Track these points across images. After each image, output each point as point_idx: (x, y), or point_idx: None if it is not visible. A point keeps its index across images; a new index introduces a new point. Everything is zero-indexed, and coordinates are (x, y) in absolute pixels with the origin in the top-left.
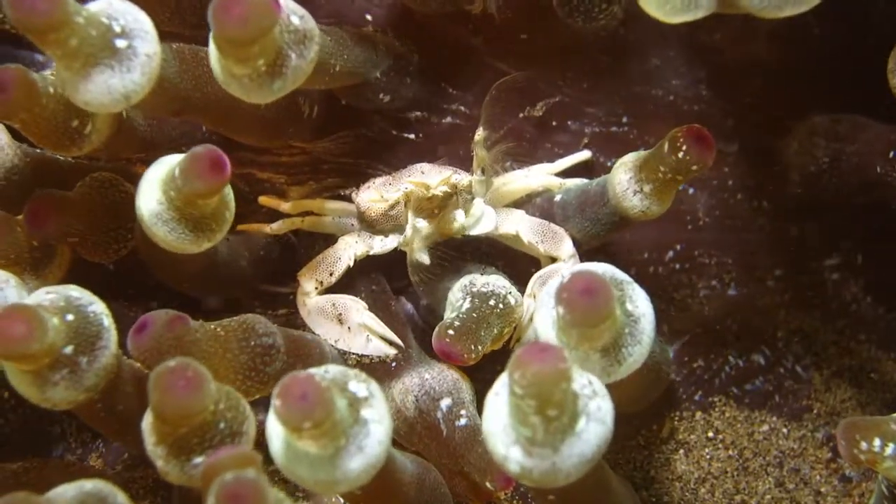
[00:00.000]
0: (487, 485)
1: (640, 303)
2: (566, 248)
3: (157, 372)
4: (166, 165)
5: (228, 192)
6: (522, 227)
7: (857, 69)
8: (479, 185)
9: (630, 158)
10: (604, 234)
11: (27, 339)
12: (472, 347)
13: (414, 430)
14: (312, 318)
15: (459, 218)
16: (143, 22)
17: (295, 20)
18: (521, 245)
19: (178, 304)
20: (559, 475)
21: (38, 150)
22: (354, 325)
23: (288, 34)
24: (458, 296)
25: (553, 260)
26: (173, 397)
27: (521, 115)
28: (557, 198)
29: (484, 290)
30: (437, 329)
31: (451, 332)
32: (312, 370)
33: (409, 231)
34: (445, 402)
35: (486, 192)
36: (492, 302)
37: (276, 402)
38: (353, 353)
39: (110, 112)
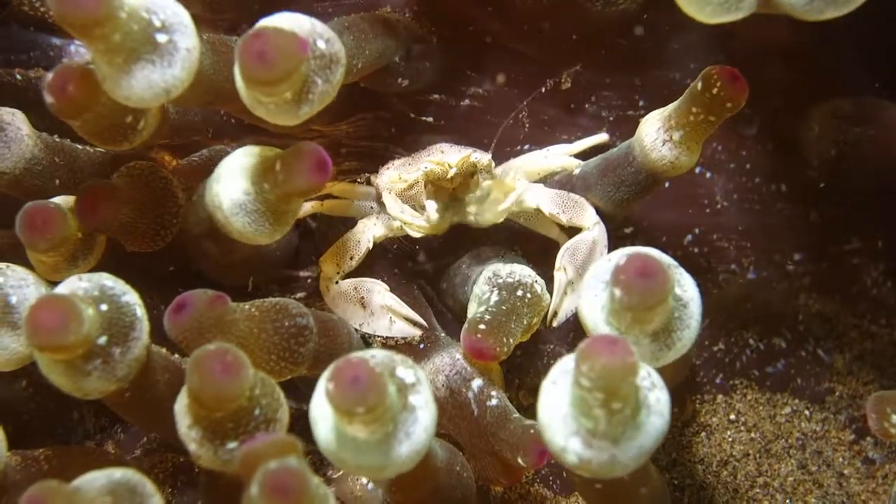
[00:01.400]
0: (519, 461)
1: (688, 287)
2: (589, 215)
3: (196, 355)
4: (253, 156)
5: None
6: (542, 199)
7: (879, 51)
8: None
9: (656, 113)
10: (628, 199)
11: (64, 330)
12: (504, 341)
13: (444, 411)
14: (336, 302)
15: (475, 203)
16: (182, 16)
17: (321, 45)
18: (541, 225)
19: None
20: (617, 467)
21: (57, 140)
22: (377, 308)
23: (314, 61)
24: (483, 289)
25: (571, 234)
26: (212, 381)
27: (545, 88)
28: (577, 171)
29: (510, 280)
30: (466, 325)
31: (482, 326)
32: (359, 354)
33: (430, 211)
34: (477, 383)
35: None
36: (519, 293)
37: (328, 385)
38: (378, 336)
39: (151, 106)
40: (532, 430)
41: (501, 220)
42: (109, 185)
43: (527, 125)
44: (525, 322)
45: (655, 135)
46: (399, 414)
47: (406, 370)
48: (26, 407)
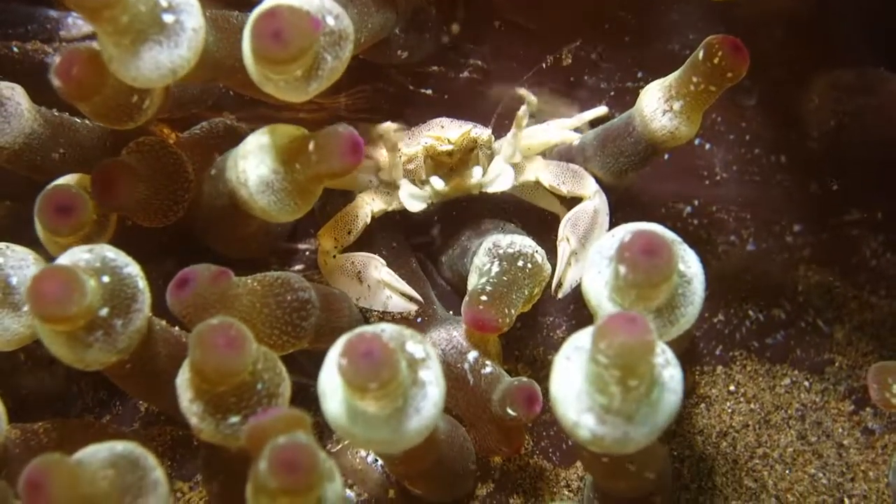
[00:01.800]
0: (509, 411)
1: (692, 263)
2: (589, 185)
3: (199, 329)
4: (281, 135)
5: None
6: (541, 171)
7: (880, 21)
8: (509, 146)
9: (656, 83)
10: (627, 170)
11: (66, 301)
12: (506, 312)
13: None
14: (333, 276)
15: (477, 174)
16: None
17: (330, 21)
18: (541, 198)
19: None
20: (630, 444)
21: (57, 113)
22: (374, 283)
23: (324, 37)
24: (484, 260)
25: (571, 207)
26: (215, 355)
27: (544, 64)
28: (576, 142)
29: (511, 250)
30: (467, 297)
31: (483, 298)
32: (369, 328)
33: (436, 183)
34: (472, 355)
35: (515, 152)
36: (520, 263)
37: (341, 360)
38: (375, 311)
39: (157, 87)
40: (517, 382)
41: (500, 190)
42: (125, 163)
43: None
44: (526, 293)
45: (656, 105)
46: (409, 389)
47: (416, 345)
48: (24, 381)
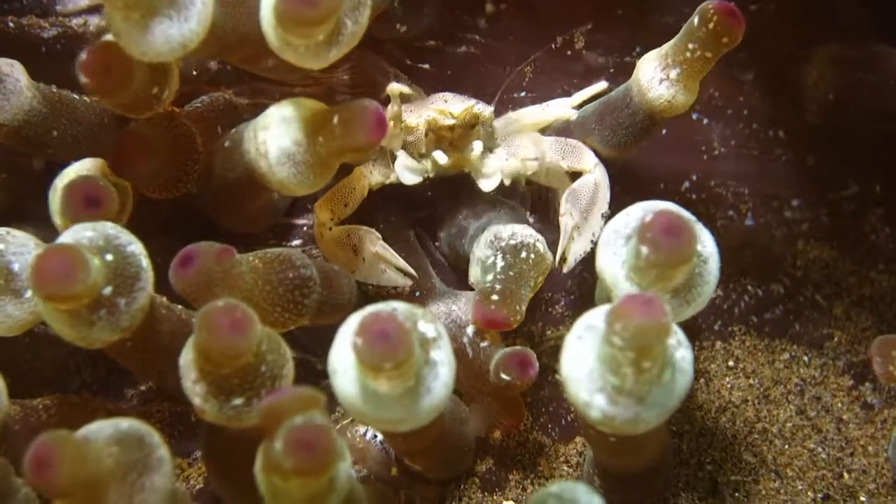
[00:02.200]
0: (503, 376)
1: (707, 243)
2: (588, 158)
3: (205, 311)
4: (304, 108)
5: None
6: (540, 147)
7: None
8: (507, 155)
9: (652, 52)
10: (625, 143)
11: (70, 279)
12: (517, 309)
13: None
14: (329, 248)
15: (477, 148)
16: None
17: None
18: (539, 177)
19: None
20: (640, 424)
21: (55, 90)
22: (369, 256)
23: (346, 1)
24: (486, 253)
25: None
26: (220, 337)
27: (553, 45)
28: (574, 117)
29: (513, 242)
30: (477, 296)
31: (494, 297)
32: (382, 306)
33: (439, 157)
34: (471, 329)
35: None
36: (523, 254)
37: (357, 339)
38: (370, 284)
39: (166, 60)
40: (511, 349)
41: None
42: (141, 132)
43: (528, 75)
44: (532, 284)
45: (652, 73)
46: (421, 369)
47: (427, 324)
48: (22, 356)
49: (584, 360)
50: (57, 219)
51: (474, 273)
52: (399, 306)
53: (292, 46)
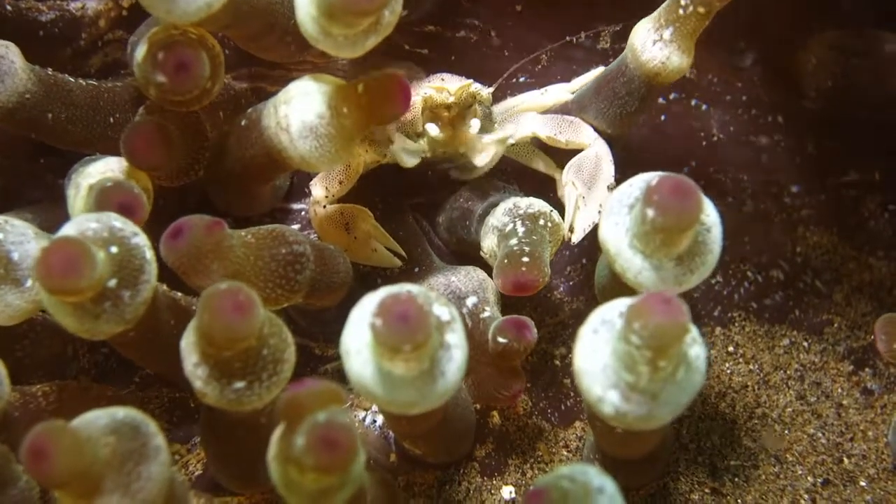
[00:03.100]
0: (500, 339)
1: (710, 212)
2: (587, 132)
3: (207, 293)
4: (327, 82)
5: None
6: (537, 124)
7: None
8: (507, 129)
9: (645, 18)
10: (622, 115)
11: (76, 274)
12: (546, 271)
13: None
14: (322, 226)
15: (475, 125)
16: None
17: None
18: (537, 159)
19: None
20: (652, 421)
21: (51, 73)
22: (361, 234)
23: None
24: (504, 220)
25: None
26: (223, 320)
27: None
28: (570, 96)
29: (531, 211)
30: (505, 260)
31: (525, 259)
32: (396, 288)
33: (432, 130)
34: (471, 300)
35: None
36: (542, 222)
37: (375, 321)
38: (361, 263)
39: (190, 21)
40: (507, 316)
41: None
42: (159, 122)
43: (522, 58)
44: (548, 252)
45: (646, 36)
46: (437, 351)
47: (441, 307)
48: (20, 343)
49: (599, 355)
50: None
51: (488, 243)
52: (413, 288)
53: (332, 36)
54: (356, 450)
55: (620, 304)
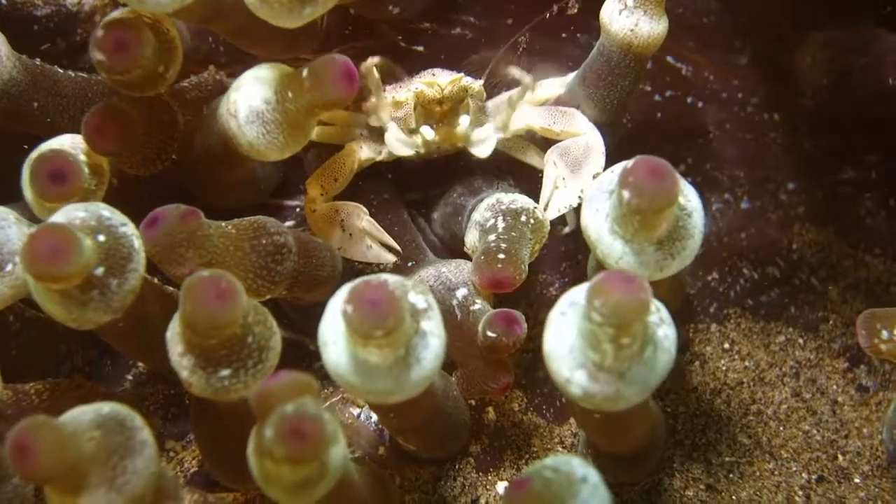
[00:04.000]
0: (489, 333)
1: (691, 197)
2: (581, 121)
3: (190, 281)
4: (278, 69)
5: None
6: (531, 116)
7: None
8: (503, 114)
9: None
10: (610, 98)
11: (62, 260)
12: (522, 269)
13: None
14: (317, 224)
15: (464, 123)
16: None
17: None
18: (531, 154)
19: None
20: (621, 401)
21: (38, 63)
22: (356, 231)
23: None
24: (486, 215)
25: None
26: (205, 308)
27: (551, 11)
28: (562, 90)
29: (514, 206)
30: (482, 257)
31: (501, 255)
32: (374, 277)
33: (426, 133)
34: (461, 292)
35: (507, 123)
36: (523, 218)
37: (346, 307)
38: (356, 261)
39: (165, 12)
40: (497, 309)
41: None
42: (120, 107)
43: (520, 56)
44: (529, 249)
45: (612, 7)
46: (411, 339)
47: (418, 295)
48: (14, 342)
49: (566, 337)
50: (28, 194)
51: (471, 238)
52: (390, 277)
53: (268, 4)
54: (325, 439)
55: (587, 286)
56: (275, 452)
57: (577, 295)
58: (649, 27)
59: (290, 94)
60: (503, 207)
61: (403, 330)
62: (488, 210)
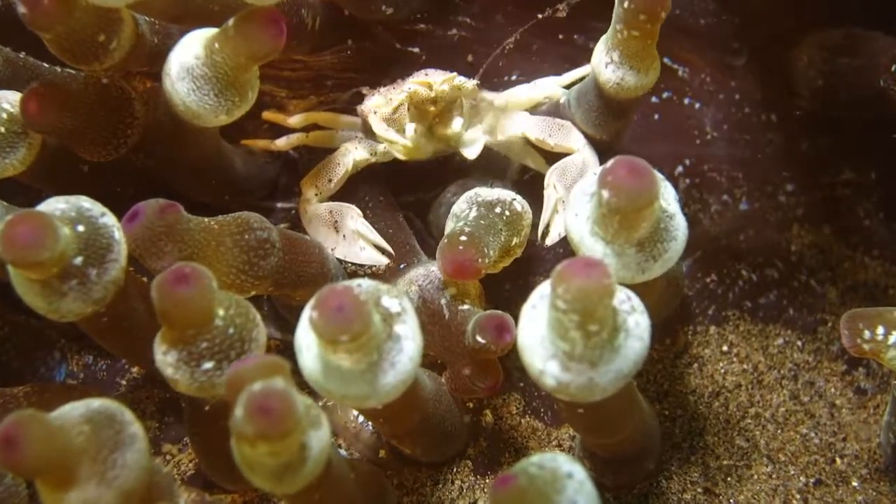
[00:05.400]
0: (479, 338)
1: (672, 201)
2: (576, 138)
3: (157, 278)
4: (214, 30)
5: (256, 72)
6: (527, 125)
7: None
8: (492, 118)
9: (603, 36)
10: (602, 124)
11: (38, 245)
12: (484, 252)
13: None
14: (311, 224)
15: (456, 124)
16: None
17: None
18: (527, 156)
19: None
20: (595, 390)
21: (22, 56)
22: (349, 232)
23: None
24: (462, 206)
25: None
26: (174, 294)
27: (540, 15)
28: (563, 99)
29: (490, 198)
30: (446, 240)
31: (463, 238)
32: (344, 283)
33: (409, 132)
34: (451, 291)
35: (496, 126)
36: (498, 209)
37: (312, 313)
38: (349, 262)
39: (120, 6)
40: (489, 312)
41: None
42: (56, 85)
43: (515, 55)
44: (503, 238)
45: (600, 58)
46: (384, 343)
47: (391, 300)
48: (3, 347)
49: (536, 328)
50: None
51: (448, 225)
52: (364, 282)
53: None
54: (294, 415)
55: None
56: (245, 431)
57: (546, 287)
58: (635, 81)
59: (216, 45)
60: (479, 199)
61: (372, 334)
62: (465, 201)
